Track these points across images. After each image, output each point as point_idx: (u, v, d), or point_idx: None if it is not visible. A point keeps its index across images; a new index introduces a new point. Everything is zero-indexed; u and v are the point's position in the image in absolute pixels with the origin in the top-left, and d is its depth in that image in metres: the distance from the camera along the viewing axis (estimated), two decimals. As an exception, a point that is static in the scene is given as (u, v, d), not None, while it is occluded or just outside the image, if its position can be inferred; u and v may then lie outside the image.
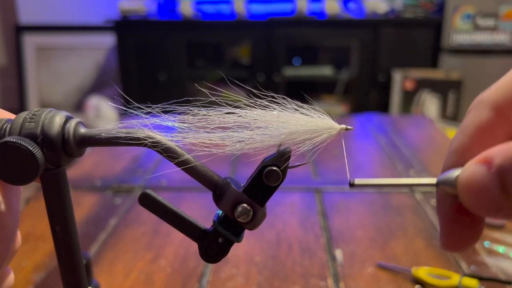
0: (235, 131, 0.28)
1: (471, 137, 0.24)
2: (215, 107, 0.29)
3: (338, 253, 0.64)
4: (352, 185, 0.25)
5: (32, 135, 0.27)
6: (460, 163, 0.24)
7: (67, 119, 0.28)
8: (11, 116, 0.29)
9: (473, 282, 0.55)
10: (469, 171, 0.22)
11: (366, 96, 2.84)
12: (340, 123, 0.29)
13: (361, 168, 0.98)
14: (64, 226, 0.30)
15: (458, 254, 0.63)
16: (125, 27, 2.86)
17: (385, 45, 2.75)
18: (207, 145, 0.28)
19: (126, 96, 0.33)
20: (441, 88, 2.59)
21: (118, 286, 0.57)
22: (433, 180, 0.24)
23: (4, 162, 0.26)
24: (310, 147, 0.28)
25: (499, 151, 0.21)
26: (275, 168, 0.28)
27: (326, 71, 2.95)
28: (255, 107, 0.29)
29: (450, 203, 0.25)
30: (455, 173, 0.23)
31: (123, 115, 0.30)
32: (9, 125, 0.27)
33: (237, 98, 0.30)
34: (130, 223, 0.73)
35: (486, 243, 0.66)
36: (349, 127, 0.28)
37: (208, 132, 0.29)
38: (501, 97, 0.23)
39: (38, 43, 3.22)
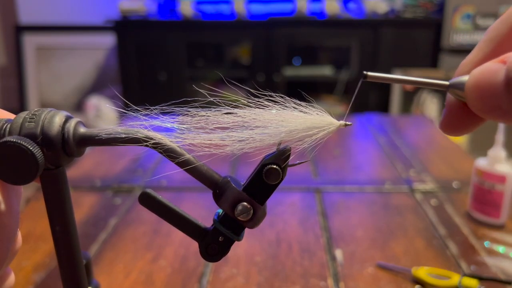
0: (235, 131, 0.28)
1: (510, 27, 0.23)
2: (214, 107, 0.29)
3: (338, 253, 0.64)
4: (365, 77, 0.25)
5: (32, 135, 0.27)
6: (490, 55, 0.23)
7: (67, 119, 0.28)
8: (11, 116, 0.29)
9: (473, 282, 0.55)
10: (484, 66, 0.21)
11: (366, 96, 2.84)
12: (339, 120, 0.29)
13: (361, 168, 0.98)
14: (64, 226, 0.30)
15: (458, 254, 0.63)
16: (125, 27, 2.86)
17: (385, 45, 2.75)
18: (207, 145, 0.28)
19: (126, 96, 0.33)
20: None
21: (118, 286, 0.57)
22: (446, 83, 0.24)
23: (4, 162, 0.26)
24: (310, 145, 0.28)
25: None
26: (275, 166, 0.28)
27: (326, 71, 2.95)
28: (254, 107, 0.29)
29: (457, 104, 0.24)
30: (466, 77, 0.22)
31: (123, 115, 0.30)
32: (9, 125, 0.27)
33: (236, 98, 0.30)
34: (130, 223, 0.73)
35: (486, 243, 0.66)
36: (348, 122, 0.28)
37: (208, 132, 0.29)
38: None
39: (38, 43, 3.22)
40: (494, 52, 0.23)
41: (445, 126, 0.25)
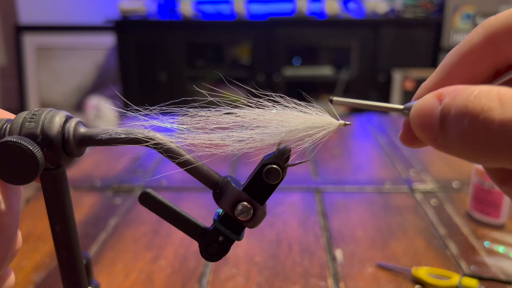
0: (235, 131, 0.28)
1: (461, 57, 0.25)
2: (214, 107, 0.29)
3: (338, 253, 0.64)
4: (331, 101, 0.28)
5: (32, 135, 0.27)
6: (440, 82, 0.25)
7: (67, 119, 0.28)
8: (11, 116, 0.29)
9: (473, 282, 0.55)
10: (422, 101, 0.24)
11: (366, 96, 2.83)
12: (338, 120, 0.29)
13: (361, 168, 0.98)
14: (64, 226, 0.30)
15: (458, 254, 0.63)
16: (125, 27, 2.86)
17: (385, 45, 2.75)
18: (207, 145, 0.28)
19: (126, 96, 0.33)
20: (441, 88, 2.58)
21: (118, 286, 0.57)
22: (400, 106, 0.27)
23: (4, 162, 0.26)
24: (310, 144, 0.28)
25: (452, 92, 0.22)
26: (275, 166, 0.28)
27: (326, 71, 2.95)
28: (254, 107, 0.29)
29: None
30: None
31: (123, 115, 0.30)
32: (9, 125, 0.27)
33: (236, 98, 0.30)
34: (130, 223, 0.73)
35: (486, 243, 0.66)
36: (347, 122, 0.29)
37: (208, 132, 0.29)
38: (499, 26, 0.24)
39: (38, 43, 3.22)
40: (446, 79, 0.26)
41: (402, 138, 0.28)
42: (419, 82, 2.61)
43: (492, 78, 0.26)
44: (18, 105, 3.25)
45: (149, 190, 0.29)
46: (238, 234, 0.30)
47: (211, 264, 0.61)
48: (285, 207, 0.78)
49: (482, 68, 0.25)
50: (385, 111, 0.28)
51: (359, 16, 2.84)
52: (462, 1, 2.62)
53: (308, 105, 0.29)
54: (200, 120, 0.29)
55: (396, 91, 2.70)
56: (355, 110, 2.81)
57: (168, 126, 0.29)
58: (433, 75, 0.27)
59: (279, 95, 0.29)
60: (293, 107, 0.28)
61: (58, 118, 0.27)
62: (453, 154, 0.23)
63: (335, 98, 0.27)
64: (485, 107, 0.21)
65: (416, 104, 0.24)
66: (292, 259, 0.63)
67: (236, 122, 0.29)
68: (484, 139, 0.21)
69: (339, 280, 0.58)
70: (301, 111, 0.28)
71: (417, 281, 0.57)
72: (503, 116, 0.20)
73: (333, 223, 0.73)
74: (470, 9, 2.62)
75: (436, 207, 0.78)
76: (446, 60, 0.26)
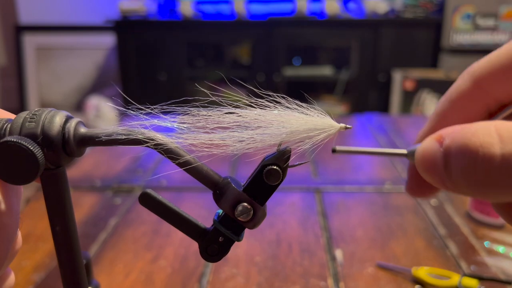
0: (235, 131, 0.28)
1: (452, 104, 0.26)
2: (215, 107, 0.29)
3: (338, 253, 0.64)
4: (334, 151, 0.28)
5: (33, 135, 0.27)
6: (436, 128, 0.26)
7: (67, 119, 0.28)
8: (11, 116, 0.29)
9: (473, 282, 0.55)
10: (424, 145, 0.24)
11: (366, 96, 2.84)
12: (339, 123, 0.29)
13: (361, 168, 0.98)
14: (64, 226, 0.30)
15: (458, 254, 0.63)
16: (125, 27, 2.86)
17: (385, 45, 2.75)
18: (208, 145, 0.28)
19: (126, 96, 0.33)
20: (441, 88, 2.59)
21: (118, 286, 0.57)
22: (404, 151, 0.27)
23: (5, 162, 0.26)
24: (310, 146, 0.28)
25: (451, 133, 0.23)
26: (275, 167, 0.28)
27: (326, 71, 2.95)
28: (255, 107, 0.29)
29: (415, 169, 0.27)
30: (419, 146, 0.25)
31: (123, 115, 0.30)
32: (9, 125, 0.27)
33: (237, 98, 0.30)
34: (130, 223, 0.73)
35: (486, 243, 0.66)
36: (348, 126, 0.28)
37: (208, 132, 0.29)
38: (483, 70, 0.25)
39: (38, 43, 3.22)
40: (440, 125, 0.26)
41: (409, 189, 0.28)
42: (419, 82, 2.61)
43: (486, 119, 0.26)
44: (18, 105, 3.25)
45: (149, 191, 0.29)
46: (238, 234, 0.30)
47: (211, 264, 0.61)
48: (285, 207, 0.78)
49: (474, 112, 0.26)
50: (389, 156, 0.28)
51: (359, 16, 2.84)
52: (462, 1, 2.62)
53: (309, 106, 0.29)
54: (200, 120, 0.29)
55: (396, 91, 2.70)
56: (356, 110, 2.82)
57: (169, 125, 0.29)
58: (429, 122, 0.27)
59: (281, 96, 0.29)
60: (295, 108, 0.28)
61: (59, 118, 0.27)
62: (464, 194, 0.23)
63: (337, 148, 0.27)
64: (484, 143, 0.21)
65: (418, 149, 0.24)
66: (292, 259, 0.63)
67: (237, 122, 0.29)
68: (487, 175, 0.21)
69: (339, 280, 0.58)
70: (303, 113, 0.28)
71: (417, 281, 0.57)
72: (504, 151, 0.20)
73: (333, 223, 0.73)
74: (470, 9, 2.62)
75: (436, 207, 0.78)
76: (439, 108, 0.27)
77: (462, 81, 0.26)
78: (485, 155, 0.21)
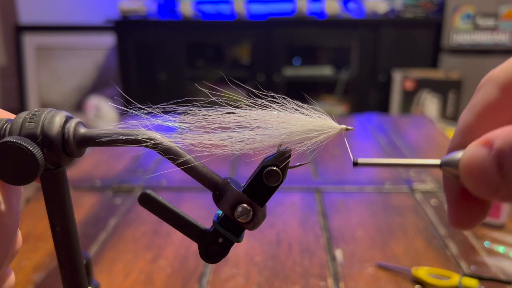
0: (235, 131, 0.28)
1: (477, 117, 0.24)
2: (215, 107, 0.29)
3: (338, 253, 0.64)
4: (355, 164, 0.26)
5: (32, 135, 0.27)
6: (465, 143, 0.23)
7: (67, 119, 0.28)
8: (11, 116, 0.29)
9: (473, 282, 0.55)
10: (470, 152, 0.22)
11: (366, 96, 2.83)
12: (340, 123, 0.29)
13: (361, 168, 0.98)
14: (64, 226, 0.30)
15: (458, 254, 0.63)
16: (125, 27, 2.86)
17: (385, 45, 2.75)
18: (207, 145, 0.28)
19: (126, 96, 0.33)
20: (441, 88, 2.59)
21: (118, 286, 0.57)
22: (437, 161, 0.24)
23: (4, 162, 0.26)
24: (310, 147, 0.28)
25: (501, 134, 0.20)
26: (275, 168, 0.28)
27: (326, 71, 2.95)
28: (255, 107, 0.29)
29: (455, 183, 0.24)
30: (459, 154, 0.23)
31: (123, 115, 0.30)
32: (9, 125, 0.27)
33: (237, 98, 0.30)
34: (130, 223, 0.73)
35: (486, 243, 0.66)
36: (349, 127, 0.28)
37: (208, 132, 0.29)
38: (509, 75, 0.23)
39: (38, 43, 3.22)
40: (466, 142, 0.24)
41: (456, 221, 0.25)
42: (419, 82, 2.61)
43: None
44: (18, 105, 3.25)
45: (148, 191, 0.29)
46: (237, 236, 0.29)
47: (211, 264, 0.61)
48: (285, 207, 0.78)
49: (504, 121, 0.23)
50: (419, 168, 0.26)
51: (359, 16, 2.84)
52: (462, 1, 2.62)
53: (310, 107, 0.28)
54: (200, 120, 0.29)
55: (396, 91, 2.70)
56: (356, 110, 2.82)
57: (169, 125, 0.29)
58: (453, 141, 0.25)
59: (281, 96, 0.29)
60: (295, 109, 0.28)
61: (58, 119, 0.27)
62: None
63: (360, 161, 0.25)
64: None
65: (463, 158, 0.22)
66: (292, 259, 0.63)
67: (237, 122, 0.28)
68: None
69: (339, 280, 0.58)
70: (303, 114, 0.28)
71: (417, 281, 0.57)
72: None
73: (333, 223, 0.73)
74: (470, 9, 2.62)
75: (436, 207, 0.78)
76: (461, 123, 0.24)
77: (486, 90, 0.24)
78: None
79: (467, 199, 0.24)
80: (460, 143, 0.24)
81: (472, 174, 0.21)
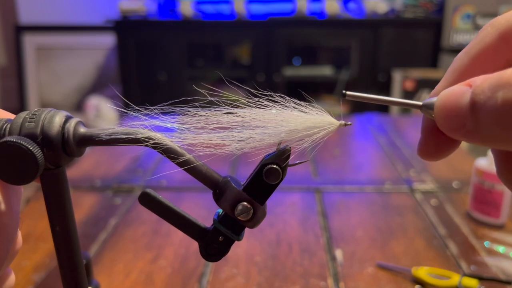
0: (235, 131, 0.28)
1: (473, 58, 0.25)
2: (214, 107, 0.29)
3: (338, 253, 0.64)
4: (344, 95, 0.27)
5: (32, 135, 0.27)
6: (455, 83, 0.24)
7: (67, 119, 0.28)
8: (11, 116, 0.29)
9: (473, 282, 0.55)
10: (450, 88, 0.23)
11: (366, 96, 2.83)
12: (338, 120, 0.29)
13: (361, 168, 0.98)
14: (64, 226, 0.30)
15: (458, 254, 0.63)
16: (125, 27, 2.86)
17: (385, 45, 2.75)
18: (207, 145, 0.28)
19: (126, 96, 0.33)
20: (441, 88, 2.59)
21: (118, 286, 0.57)
22: (419, 103, 0.26)
23: (4, 162, 0.26)
24: (310, 144, 0.28)
25: (483, 77, 0.21)
26: (275, 166, 0.28)
27: (326, 71, 2.95)
28: (254, 107, 0.29)
29: (431, 123, 0.26)
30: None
31: (123, 115, 0.30)
32: (9, 125, 0.27)
33: (237, 98, 0.30)
34: (130, 223, 0.73)
35: (486, 243, 0.66)
36: (348, 122, 0.28)
37: (208, 132, 0.29)
38: (507, 24, 0.23)
39: (38, 43, 3.22)
40: (459, 81, 0.25)
41: (422, 151, 0.27)
42: (419, 82, 2.61)
43: None
44: (18, 105, 3.25)
45: (149, 190, 0.29)
46: (238, 234, 0.30)
47: (211, 264, 0.61)
48: (285, 207, 0.78)
49: (496, 67, 0.24)
50: (402, 107, 0.27)
51: (359, 16, 2.84)
52: (462, 1, 2.62)
53: (308, 105, 0.28)
54: (200, 120, 0.29)
55: (396, 91, 2.70)
56: (355, 110, 2.82)
57: (169, 125, 0.29)
58: (444, 80, 0.26)
59: (279, 95, 0.29)
60: (293, 107, 0.28)
61: (58, 118, 0.27)
62: (485, 141, 0.21)
63: (348, 93, 0.26)
64: None
65: (443, 92, 0.23)
66: (292, 259, 0.63)
67: (236, 121, 0.29)
68: None
69: (339, 280, 0.58)
70: (301, 111, 0.28)
71: (417, 281, 0.57)
72: None
73: (333, 223, 0.73)
74: (470, 9, 2.62)
75: (436, 207, 0.78)
76: (456, 64, 0.26)
77: (486, 33, 0.24)
78: None
79: (438, 135, 0.26)
80: (451, 82, 0.25)
81: (446, 107, 0.23)
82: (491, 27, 0.24)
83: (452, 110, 0.22)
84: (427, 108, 0.25)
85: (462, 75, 0.25)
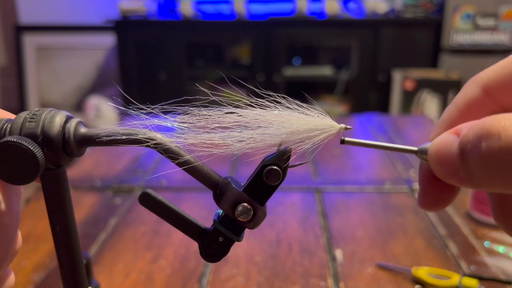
0: (236, 131, 0.28)
1: (459, 111, 0.27)
2: (215, 107, 0.29)
3: (338, 253, 0.64)
4: (342, 141, 0.27)
5: (33, 135, 0.27)
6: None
7: (68, 119, 0.28)
8: (11, 116, 0.29)
9: (473, 282, 0.55)
10: (439, 138, 0.24)
11: (366, 96, 2.84)
12: (339, 123, 0.29)
13: (361, 168, 0.98)
14: (64, 226, 0.30)
15: (458, 254, 0.63)
16: (125, 27, 2.86)
17: (385, 45, 2.75)
18: (208, 145, 0.28)
19: (126, 96, 0.33)
20: (441, 88, 2.59)
21: (118, 286, 0.57)
22: (414, 148, 0.27)
23: (5, 162, 0.26)
24: (310, 146, 0.28)
25: (468, 124, 0.23)
26: (275, 167, 0.28)
27: (326, 71, 2.95)
28: (256, 107, 0.29)
29: (428, 168, 0.27)
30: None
31: (123, 115, 0.30)
32: (9, 125, 0.27)
33: (238, 98, 0.30)
34: (130, 223, 0.73)
35: (486, 243, 0.66)
36: (348, 126, 0.29)
37: (208, 132, 0.29)
38: (491, 78, 0.26)
39: (38, 43, 3.22)
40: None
41: (424, 202, 0.28)
42: (419, 82, 2.61)
43: None
44: (18, 105, 3.25)
45: (149, 191, 0.29)
46: (238, 235, 0.30)
47: (211, 264, 0.61)
48: (285, 207, 0.78)
49: (482, 117, 0.25)
50: (398, 152, 0.28)
51: (359, 16, 2.84)
52: (462, 1, 2.62)
53: (310, 107, 0.29)
54: (200, 120, 0.29)
55: (396, 91, 2.70)
56: (355, 110, 2.81)
57: (169, 125, 0.29)
58: (436, 129, 0.28)
59: (281, 96, 0.29)
60: (295, 108, 0.28)
61: (59, 118, 0.27)
62: (480, 187, 0.23)
63: (346, 139, 0.27)
64: (507, 126, 0.20)
65: (434, 141, 0.25)
66: (292, 259, 0.63)
67: (237, 121, 0.29)
68: (509, 159, 0.20)
69: (339, 280, 0.58)
70: (303, 113, 0.28)
71: (417, 281, 0.57)
72: None
73: (333, 223, 0.73)
74: (470, 9, 2.62)
75: (436, 207, 0.78)
76: (445, 115, 0.27)
77: (469, 89, 0.27)
78: (508, 137, 0.20)
79: (436, 183, 0.27)
80: (441, 133, 0.27)
81: (438, 156, 0.24)
82: (473, 83, 0.26)
83: (444, 159, 0.24)
84: (422, 153, 0.26)
85: (452, 125, 0.26)
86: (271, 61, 2.84)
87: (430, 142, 0.26)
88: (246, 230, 0.30)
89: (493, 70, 0.26)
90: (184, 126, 0.29)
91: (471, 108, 0.26)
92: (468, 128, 0.23)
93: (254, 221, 0.29)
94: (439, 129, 0.27)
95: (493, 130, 0.21)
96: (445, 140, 0.24)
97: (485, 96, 0.26)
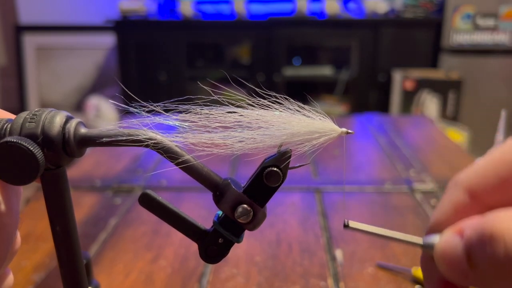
0: (236, 131, 0.28)
1: (446, 215, 0.26)
2: (216, 106, 0.29)
3: (338, 253, 0.64)
4: (346, 226, 0.27)
5: (33, 135, 0.27)
6: (441, 227, 0.25)
7: (68, 119, 0.28)
8: (11, 116, 0.29)
9: (473, 282, 0.55)
10: (444, 239, 0.24)
11: (366, 96, 2.84)
12: (341, 126, 0.29)
13: (361, 168, 0.98)
14: (64, 226, 0.30)
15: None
16: (125, 27, 2.86)
17: (385, 45, 2.75)
18: (208, 145, 0.28)
19: (126, 96, 0.33)
20: (441, 88, 2.59)
21: (118, 286, 0.57)
22: (420, 241, 0.26)
23: (5, 162, 0.26)
24: (310, 148, 0.28)
25: (470, 225, 0.23)
26: (275, 169, 0.28)
27: (326, 71, 2.95)
28: (257, 107, 0.29)
29: (434, 266, 0.26)
30: (436, 239, 0.25)
31: (123, 115, 0.30)
32: (9, 125, 0.27)
33: (239, 98, 0.30)
34: (130, 223, 0.73)
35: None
36: (349, 130, 0.28)
37: (208, 131, 0.29)
38: (474, 182, 0.25)
39: (38, 43, 3.22)
40: (442, 226, 0.26)
41: None
42: (419, 82, 2.61)
43: None
44: (18, 105, 3.25)
45: (149, 191, 0.29)
46: (238, 236, 0.30)
47: (211, 264, 0.61)
48: (285, 207, 0.78)
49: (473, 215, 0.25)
50: (403, 243, 0.27)
51: (359, 16, 2.84)
52: (462, 1, 2.62)
53: (311, 109, 0.28)
54: (201, 119, 0.29)
55: (396, 91, 2.70)
56: (355, 110, 2.82)
57: (170, 123, 0.29)
58: (433, 219, 0.27)
59: (283, 97, 0.29)
60: (296, 110, 0.28)
61: (59, 119, 0.27)
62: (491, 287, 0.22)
63: (351, 224, 0.27)
64: (510, 227, 0.20)
65: (438, 245, 0.24)
66: (292, 259, 0.63)
67: (238, 121, 0.29)
68: None
69: (339, 280, 0.58)
70: (304, 115, 0.28)
71: (417, 281, 0.57)
72: None
73: (333, 223, 0.73)
74: (470, 9, 2.62)
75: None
76: (436, 216, 0.27)
77: (453, 193, 0.26)
78: None
79: (444, 282, 0.26)
80: (438, 225, 0.26)
81: (445, 261, 0.23)
82: (456, 186, 0.26)
83: (452, 264, 0.23)
84: (427, 248, 0.25)
85: (441, 230, 0.26)
86: (271, 61, 2.84)
87: (433, 234, 0.25)
88: (246, 231, 0.30)
89: (475, 172, 0.25)
90: (185, 125, 0.29)
91: (459, 212, 0.25)
92: (471, 229, 0.22)
93: (254, 222, 0.29)
94: (430, 232, 0.27)
95: (497, 233, 0.20)
96: (449, 244, 0.23)
97: (471, 200, 0.25)
